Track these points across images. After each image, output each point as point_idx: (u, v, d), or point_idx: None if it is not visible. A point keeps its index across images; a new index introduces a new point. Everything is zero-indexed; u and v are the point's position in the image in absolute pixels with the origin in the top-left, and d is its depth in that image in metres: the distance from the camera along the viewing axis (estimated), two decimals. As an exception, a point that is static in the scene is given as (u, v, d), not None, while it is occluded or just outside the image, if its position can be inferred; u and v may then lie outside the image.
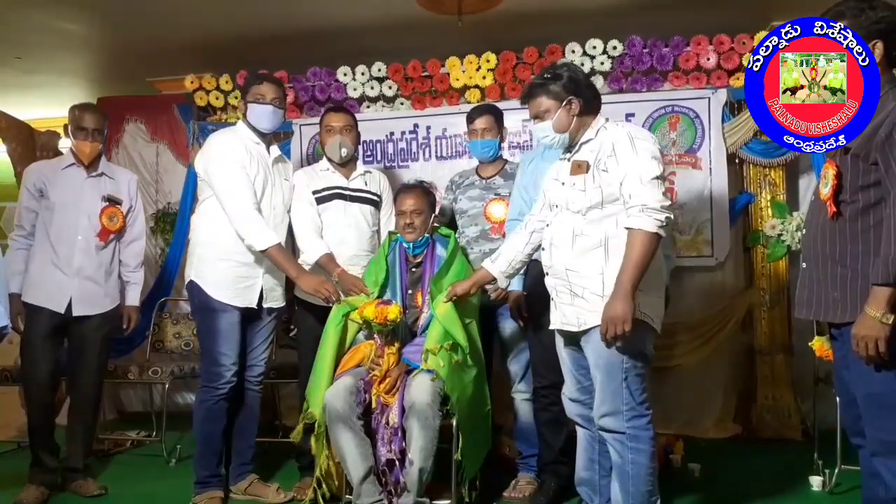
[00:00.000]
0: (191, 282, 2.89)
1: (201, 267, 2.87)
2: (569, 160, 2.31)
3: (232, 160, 2.82)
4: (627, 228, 2.11)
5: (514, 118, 3.83)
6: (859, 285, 1.81)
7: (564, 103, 2.24)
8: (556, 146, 2.32)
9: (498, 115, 3.11)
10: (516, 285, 2.82)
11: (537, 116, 2.29)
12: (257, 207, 2.83)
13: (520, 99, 2.37)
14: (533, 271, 2.62)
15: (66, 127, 3.10)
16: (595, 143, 2.24)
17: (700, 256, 3.93)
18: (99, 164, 3.12)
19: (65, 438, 3.13)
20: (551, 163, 2.74)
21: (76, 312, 3.01)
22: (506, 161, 3.18)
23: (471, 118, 3.11)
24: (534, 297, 2.75)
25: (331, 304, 2.79)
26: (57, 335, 3.05)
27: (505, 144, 3.29)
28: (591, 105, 2.28)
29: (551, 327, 2.35)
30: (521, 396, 3.01)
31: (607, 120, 2.31)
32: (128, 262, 3.20)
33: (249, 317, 2.94)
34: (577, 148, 2.29)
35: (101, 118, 3.10)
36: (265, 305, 2.96)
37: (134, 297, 3.24)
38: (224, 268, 2.85)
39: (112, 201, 3.11)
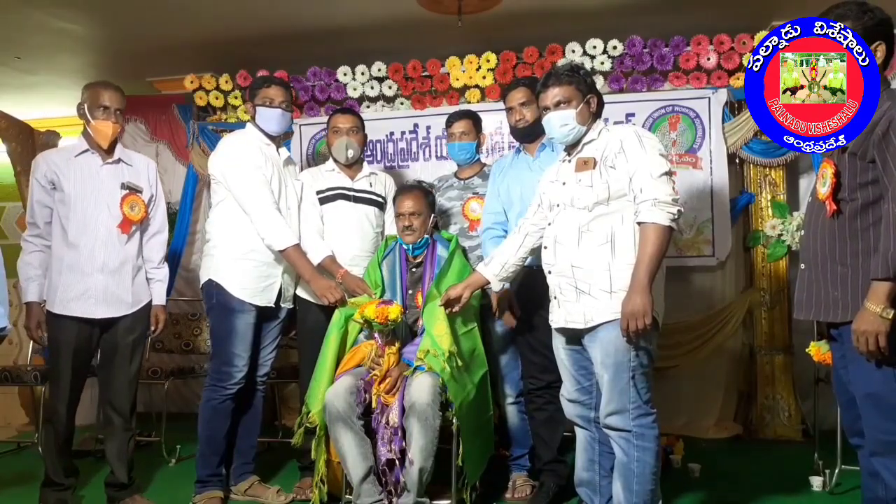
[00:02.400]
0: (209, 282, 2.88)
1: (222, 267, 2.87)
2: (570, 161, 2.32)
3: (248, 161, 2.84)
4: (640, 223, 2.13)
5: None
6: (860, 284, 1.81)
7: (586, 99, 2.28)
8: (569, 140, 2.31)
9: (476, 120, 3.15)
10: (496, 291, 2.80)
11: (557, 104, 2.28)
12: (277, 207, 2.84)
13: (540, 83, 2.34)
14: (519, 275, 2.62)
15: (79, 107, 2.76)
16: (599, 143, 2.27)
17: (700, 256, 3.93)
18: (115, 149, 2.82)
19: (106, 454, 2.90)
20: (523, 170, 2.79)
21: (102, 314, 2.75)
22: (483, 164, 3.22)
23: (449, 122, 3.15)
24: (522, 301, 2.77)
25: (335, 307, 2.81)
26: (90, 344, 2.79)
27: (483, 148, 3.31)
28: (600, 108, 2.34)
29: (554, 327, 2.34)
30: (507, 400, 3.03)
31: (606, 121, 2.34)
32: (151, 258, 2.92)
33: (264, 316, 2.95)
34: (579, 148, 2.31)
35: (123, 98, 2.79)
36: (282, 305, 2.98)
37: (160, 296, 2.94)
38: (246, 267, 2.86)
39: (132, 189, 2.82)
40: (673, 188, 2.15)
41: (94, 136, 2.76)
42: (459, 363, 2.57)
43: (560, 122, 2.28)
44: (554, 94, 2.28)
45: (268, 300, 2.91)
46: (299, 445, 2.74)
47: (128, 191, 2.82)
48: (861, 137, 1.77)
